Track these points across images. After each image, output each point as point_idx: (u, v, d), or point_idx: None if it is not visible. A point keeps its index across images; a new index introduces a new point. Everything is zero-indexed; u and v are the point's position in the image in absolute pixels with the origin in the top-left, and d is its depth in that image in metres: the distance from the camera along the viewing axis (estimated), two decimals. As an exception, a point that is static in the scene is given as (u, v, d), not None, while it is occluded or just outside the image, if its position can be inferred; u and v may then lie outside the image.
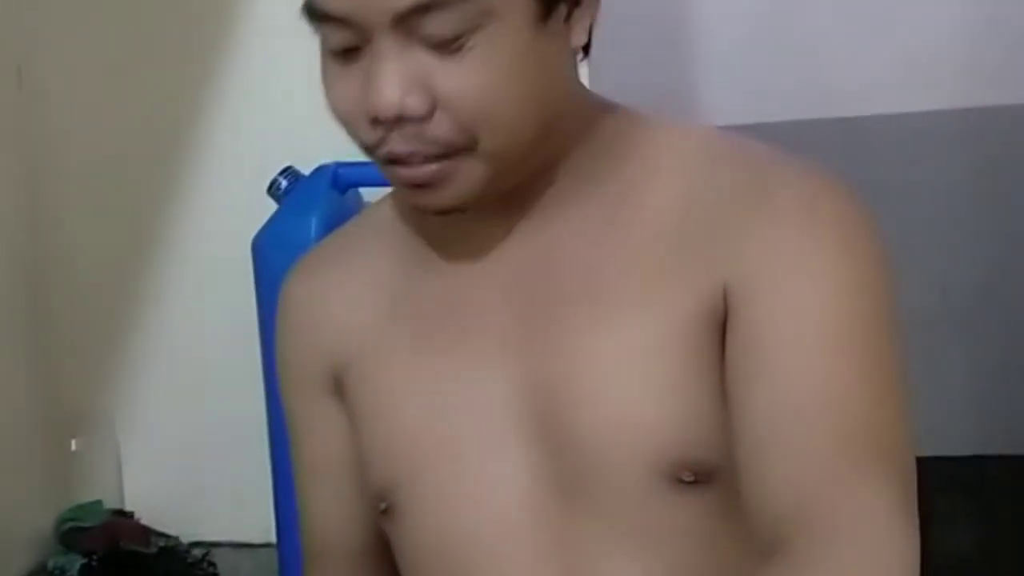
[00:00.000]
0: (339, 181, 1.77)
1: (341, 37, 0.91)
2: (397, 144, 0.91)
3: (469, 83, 0.89)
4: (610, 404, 0.93)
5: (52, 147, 1.99)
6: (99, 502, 1.96)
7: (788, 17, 2.87)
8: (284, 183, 1.79)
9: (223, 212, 1.93)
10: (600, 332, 0.94)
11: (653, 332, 0.93)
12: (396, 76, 0.88)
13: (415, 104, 0.89)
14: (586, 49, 0.97)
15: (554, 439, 0.95)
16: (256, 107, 1.91)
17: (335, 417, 1.08)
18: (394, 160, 0.93)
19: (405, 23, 0.87)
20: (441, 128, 0.90)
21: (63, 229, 2.01)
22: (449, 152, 0.91)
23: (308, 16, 0.92)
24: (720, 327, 0.92)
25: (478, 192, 0.93)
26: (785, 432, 0.87)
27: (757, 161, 0.96)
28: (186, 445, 2.01)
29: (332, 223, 1.77)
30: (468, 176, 0.92)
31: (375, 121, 0.91)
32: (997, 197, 2.83)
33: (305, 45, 1.87)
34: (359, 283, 1.06)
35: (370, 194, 1.81)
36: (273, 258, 1.74)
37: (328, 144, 1.79)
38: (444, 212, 0.96)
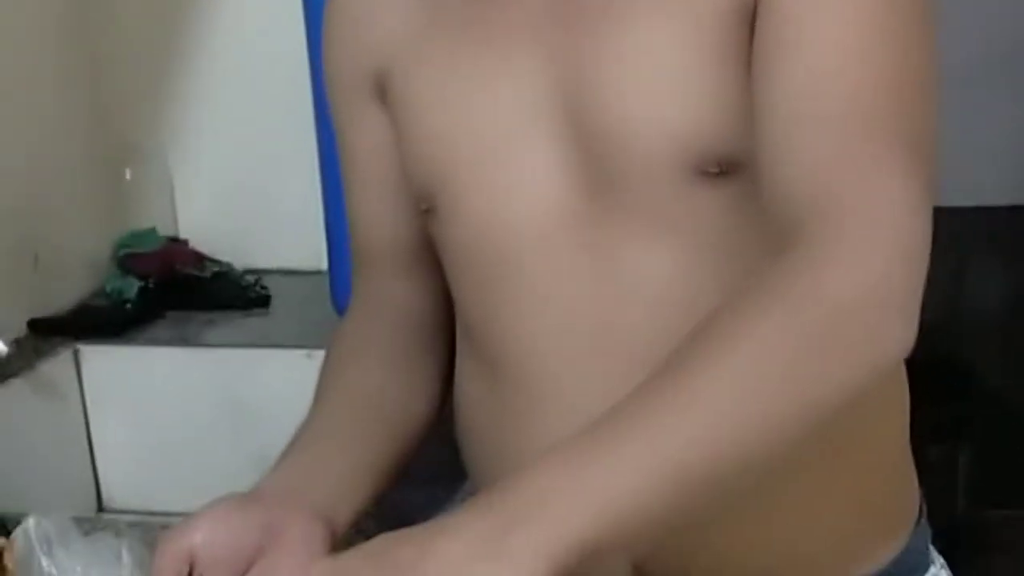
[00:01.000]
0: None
1: None
2: None
3: None
4: (637, 97, 0.95)
5: None
6: (154, 229, 2.01)
7: None
8: (332, -88, 1.78)
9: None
10: (627, 29, 0.95)
11: (680, 27, 0.93)
12: None
13: None
14: None
15: (584, 134, 0.98)
16: None
17: (380, 121, 1.11)
18: None
19: None
20: None
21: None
22: None
23: None
24: (749, 21, 0.92)
25: None
26: (806, 108, 0.88)
27: None
28: (238, 174, 2.04)
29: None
30: None
31: None
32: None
33: None
34: None
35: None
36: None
37: None
38: None
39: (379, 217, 1.15)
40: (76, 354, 1.79)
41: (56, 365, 1.76)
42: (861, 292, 0.83)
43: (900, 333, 0.84)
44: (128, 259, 1.96)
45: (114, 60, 2.02)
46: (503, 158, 1.01)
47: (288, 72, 1.83)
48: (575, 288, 1.00)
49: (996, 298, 2.80)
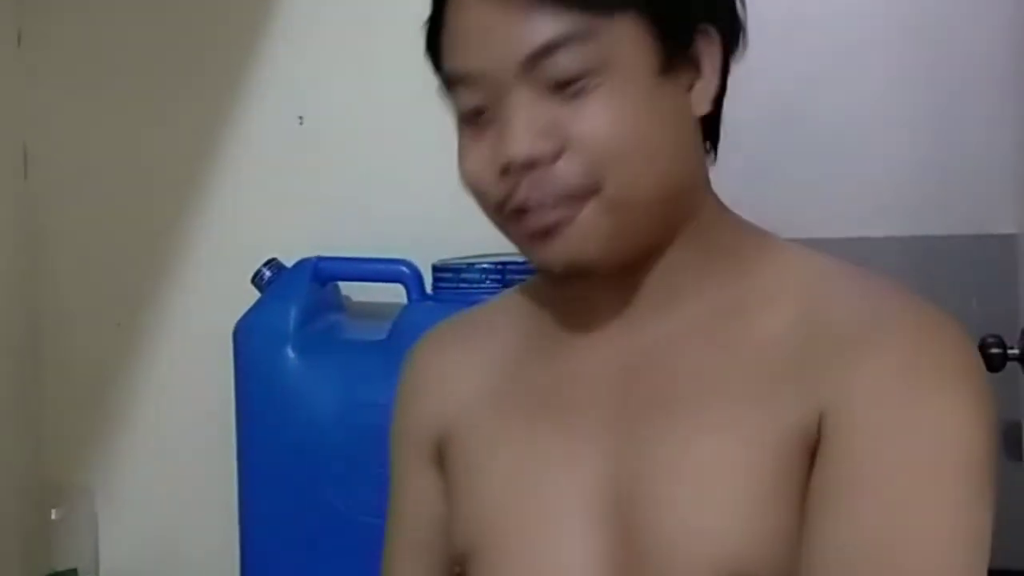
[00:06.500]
0: (319, 274, 1.84)
1: (473, 96, 0.95)
2: (525, 191, 0.94)
3: (596, 123, 0.92)
4: (685, 512, 0.94)
5: (50, 233, 2.08)
6: (75, 570, 2.01)
7: (760, 144, 2.99)
8: (267, 274, 1.87)
9: (208, 299, 2.01)
10: (691, 439, 0.96)
11: (743, 448, 0.93)
12: (527, 123, 0.92)
13: (545, 147, 0.92)
14: (714, 139, 1.03)
15: (627, 534, 0.96)
16: (246, 201, 2.00)
17: (432, 482, 1.11)
18: (521, 209, 0.95)
19: (532, 68, 0.92)
20: (569, 170, 0.93)
21: (54, 308, 2.09)
22: (575, 196, 0.93)
23: (444, 83, 0.98)
24: (811, 451, 0.91)
25: (601, 245, 0.95)
26: (854, 567, 0.87)
27: (868, 294, 0.98)
28: (161, 518, 2.07)
29: (310, 313, 1.84)
30: (591, 224, 0.94)
31: (505, 170, 0.93)
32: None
33: (293, 146, 1.99)
34: (477, 359, 1.11)
35: (348, 287, 1.90)
36: (252, 343, 1.82)
37: (311, 239, 1.88)
38: (568, 272, 0.97)
39: (411, 573, 1.14)
40: None
41: None
42: None
43: None
44: (46, 600, 1.97)
45: (47, 405, 2.08)
46: (542, 539, 1.00)
47: (215, 424, 1.89)
48: None
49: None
